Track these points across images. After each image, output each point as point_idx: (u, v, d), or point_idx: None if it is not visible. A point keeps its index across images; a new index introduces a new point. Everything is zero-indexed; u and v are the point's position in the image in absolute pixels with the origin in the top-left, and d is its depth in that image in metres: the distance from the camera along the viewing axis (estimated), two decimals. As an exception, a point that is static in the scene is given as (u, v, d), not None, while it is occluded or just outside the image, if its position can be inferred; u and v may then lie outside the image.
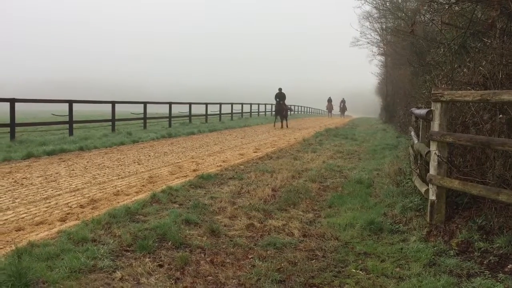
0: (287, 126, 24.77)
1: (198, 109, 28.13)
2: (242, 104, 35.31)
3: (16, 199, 6.13)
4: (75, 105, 15.87)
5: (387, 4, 22.04)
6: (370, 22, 31.53)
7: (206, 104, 27.63)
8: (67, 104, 15.43)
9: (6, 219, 5.13)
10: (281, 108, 24.65)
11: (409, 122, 11.36)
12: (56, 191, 6.68)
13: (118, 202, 6.03)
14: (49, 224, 5.01)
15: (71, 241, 4.25)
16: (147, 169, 9.04)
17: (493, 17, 5.55)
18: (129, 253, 4.16)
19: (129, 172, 8.62)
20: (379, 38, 33.17)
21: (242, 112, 35.22)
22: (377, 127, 26.43)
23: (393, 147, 13.33)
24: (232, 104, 32.49)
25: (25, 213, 5.43)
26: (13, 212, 5.43)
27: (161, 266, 3.93)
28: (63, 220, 5.20)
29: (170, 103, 22.65)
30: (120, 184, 7.41)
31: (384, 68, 34.63)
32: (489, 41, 6.25)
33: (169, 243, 4.42)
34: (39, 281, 3.36)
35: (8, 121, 13.03)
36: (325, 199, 6.82)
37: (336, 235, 5.00)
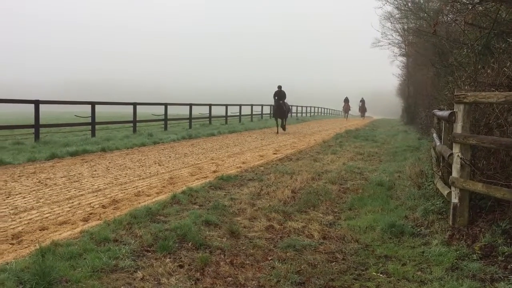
0: (284, 130, 21.55)
1: (218, 111, 28.26)
2: (262, 105, 35.35)
3: (40, 199, 6.25)
4: (97, 107, 16.10)
5: (409, 5, 21.79)
6: (391, 23, 31.28)
7: (226, 105, 27.74)
8: (89, 106, 15.68)
9: (30, 219, 5.23)
10: (281, 109, 21.27)
11: (431, 124, 11.22)
12: (79, 192, 6.79)
13: (139, 203, 6.10)
14: (72, 224, 5.09)
15: (93, 241, 4.31)
16: (168, 170, 9.12)
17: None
18: (150, 253, 4.20)
19: (150, 173, 8.71)
20: (401, 39, 32.86)
21: (262, 114, 35.25)
22: (398, 129, 26.14)
23: (414, 149, 13.17)
24: (252, 105, 32.53)
25: (49, 213, 5.53)
26: (37, 212, 5.54)
27: (181, 266, 3.96)
28: (85, 220, 5.28)
29: (190, 105, 22.82)
30: (141, 184, 7.49)
31: (405, 69, 34.27)
32: (514, 42, 6.14)
33: (189, 244, 4.45)
34: (62, 280, 3.41)
35: (32, 122, 13.30)
36: (345, 201, 6.77)
37: (356, 238, 4.97)
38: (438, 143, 7.26)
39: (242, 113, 30.29)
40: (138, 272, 3.74)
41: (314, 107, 56.03)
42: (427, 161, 9.32)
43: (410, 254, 4.37)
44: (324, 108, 60.19)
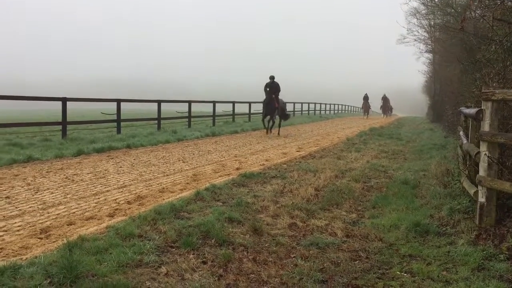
0: (278, 134, 17.83)
1: (241, 108, 28.31)
2: (285, 103, 35.27)
3: (67, 194, 6.38)
4: (122, 104, 16.32)
5: (436, 0, 21.42)
6: (417, 19, 30.76)
7: (250, 103, 27.77)
8: (115, 103, 15.91)
9: (58, 214, 5.35)
10: (272, 105, 17.30)
11: (458, 122, 11.02)
12: (105, 188, 6.91)
13: (164, 199, 6.17)
14: (98, 219, 5.19)
15: (118, 236, 4.38)
16: (191, 167, 9.20)
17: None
18: (173, 249, 4.25)
19: (174, 169, 8.80)
20: (427, 35, 32.32)
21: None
22: (424, 127, 25.75)
23: (440, 147, 12.96)
24: (275, 103, 32.46)
25: (76, 208, 5.65)
26: (64, 207, 5.66)
27: (204, 262, 3.99)
28: (111, 215, 5.37)
29: (214, 102, 22.94)
30: (165, 181, 7.58)
31: (431, 65, 33.72)
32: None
33: (213, 240, 4.48)
34: (89, 274, 3.49)
35: (60, 119, 13.58)
36: (369, 200, 6.72)
37: (380, 236, 4.92)
38: (465, 141, 7.14)
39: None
40: (162, 267, 3.79)
41: (337, 104, 55.64)
42: (453, 159, 9.17)
43: (435, 253, 4.31)
44: (348, 106, 59.73)
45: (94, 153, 10.85)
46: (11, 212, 5.34)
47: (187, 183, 7.46)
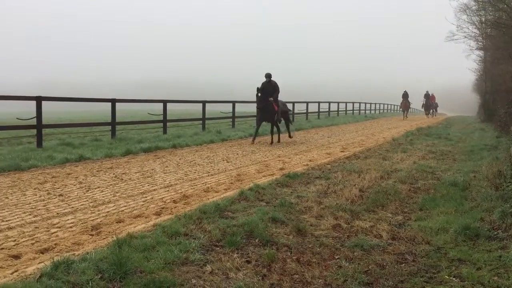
0: (278, 141, 14.70)
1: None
2: (329, 102, 34.98)
3: (116, 193, 6.60)
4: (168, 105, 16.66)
5: (487, -5, 20.61)
6: (467, 15, 29.67)
7: (293, 102, 27.71)
8: (161, 104, 16.25)
9: (108, 212, 5.54)
10: (268, 109, 13.90)
11: (511, 122, 10.56)
12: (152, 187, 7.09)
13: (208, 199, 6.27)
14: (146, 218, 5.33)
15: (165, 234, 4.49)
16: (235, 167, 9.29)
17: None
18: (218, 248, 4.31)
19: (218, 169, 8.91)
20: (478, 32, 31.12)
21: (329, 111, 34.87)
22: (474, 126, 24.84)
23: (492, 148, 12.47)
24: (319, 102, 32.27)
25: (125, 206, 5.83)
26: (114, 205, 5.85)
27: (248, 262, 4.03)
28: (158, 214, 5.51)
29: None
30: (210, 181, 7.69)
31: (482, 63, 32.47)
32: None
33: (256, 240, 4.52)
34: (137, 271, 3.59)
35: (109, 120, 14.03)
36: (415, 202, 6.57)
37: (427, 239, 4.81)
38: (518, 142, 6.85)
39: (309, 111, 30.12)
40: (207, 266, 3.86)
41: (383, 104, 54.60)
42: (506, 160, 8.80)
43: (485, 258, 4.17)
44: (394, 105, 58.43)
45: (142, 152, 11.15)
46: (64, 209, 5.58)
47: (231, 183, 7.53)
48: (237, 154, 11.41)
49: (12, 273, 3.56)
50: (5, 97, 11.85)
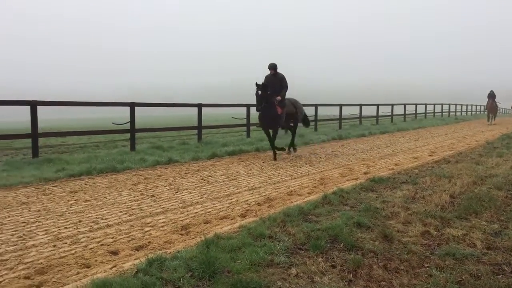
0: (283, 149, 11.61)
1: (368, 111, 27.67)
2: (416, 104, 33.66)
3: (203, 194, 6.85)
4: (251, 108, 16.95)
5: None
6: None
7: (378, 105, 27.02)
8: (244, 108, 16.57)
9: (196, 213, 5.77)
10: (272, 113, 10.68)
11: None
12: (237, 189, 7.27)
13: (292, 202, 6.30)
14: (232, 219, 5.48)
15: (250, 236, 4.59)
16: (318, 170, 9.25)
17: None
18: (302, 251, 4.32)
19: (301, 173, 8.93)
20: None
21: (416, 113, 33.56)
22: None
23: None
24: (405, 104, 31.18)
25: (211, 207, 6.03)
26: (201, 207, 6.08)
27: (333, 266, 4.00)
28: (243, 216, 5.64)
29: (340, 105, 22.75)
30: (293, 184, 7.73)
31: None
32: None
33: (341, 245, 4.47)
34: (225, 270, 3.71)
35: (195, 124, 14.57)
36: (513, 209, 6.14)
37: (527, 250, 4.48)
38: None
39: (394, 113, 29.19)
40: (292, 268, 3.89)
41: (475, 105, 51.51)
42: None
43: None
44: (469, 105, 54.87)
45: (226, 156, 11.46)
46: (156, 210, 5.90)
47: (314, 187, 7.52)
48: (320, 157, 11.35)
49: (111, 268, 3.84)
50: (102, 103, 12.54)
